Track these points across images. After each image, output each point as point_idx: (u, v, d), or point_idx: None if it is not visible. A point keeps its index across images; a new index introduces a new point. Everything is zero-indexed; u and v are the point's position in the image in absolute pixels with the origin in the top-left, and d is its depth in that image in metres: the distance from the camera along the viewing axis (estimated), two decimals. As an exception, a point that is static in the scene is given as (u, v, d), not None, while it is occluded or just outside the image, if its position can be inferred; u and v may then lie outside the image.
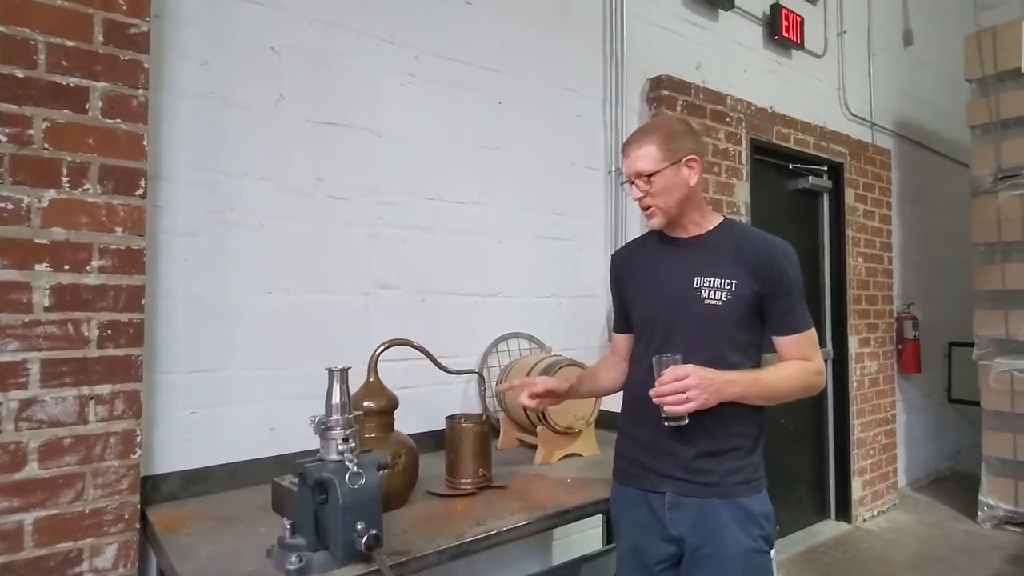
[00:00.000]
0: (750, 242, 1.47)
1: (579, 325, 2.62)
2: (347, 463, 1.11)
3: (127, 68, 1.54)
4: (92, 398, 1.48)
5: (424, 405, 2.12)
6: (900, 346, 4.36)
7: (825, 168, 3.73)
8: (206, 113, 1.77)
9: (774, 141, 3.36)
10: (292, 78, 1.92)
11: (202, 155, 1.76)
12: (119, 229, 1.52)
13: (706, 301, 1.44)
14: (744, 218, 3.14)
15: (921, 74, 4.83)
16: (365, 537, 1.07)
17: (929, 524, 3.95)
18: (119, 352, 1.52)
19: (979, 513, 3.88)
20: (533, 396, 1.56)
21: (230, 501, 1.66)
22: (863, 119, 4.16)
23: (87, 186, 1.48)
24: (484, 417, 1.73)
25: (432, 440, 2.11)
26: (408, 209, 2.14)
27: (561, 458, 2.00)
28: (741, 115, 3.16)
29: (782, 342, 1.48)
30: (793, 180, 3.68)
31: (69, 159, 1.46)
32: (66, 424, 1.45)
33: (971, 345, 4.26)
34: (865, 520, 3.92)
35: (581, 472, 1.87)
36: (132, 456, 1.53)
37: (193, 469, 1.72)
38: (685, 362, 1.34)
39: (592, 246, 2.68)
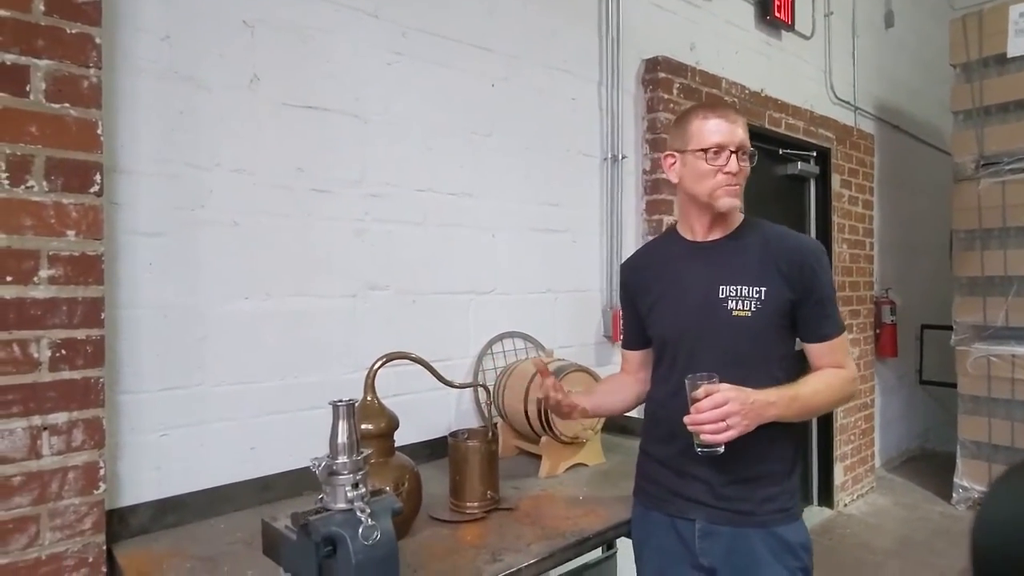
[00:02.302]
0: (779, 243, 1.34)
1: (576, 321, 2.49)
2: (359, 514, 0.95)
3: (75, 43, 1.31)
4: (45, 428, 1.28)
5: (419, 413, 1.97)
6: (878, 331, 4.39)
7: (814, 154, 3.66)
8: (169, 96, 1.55)
9: (767, 126, 3.27)
10: (267, 56, 1.70)
11: (166, 144, 1.54)
12: (71, 233, 1.31)
13: (734, 313, 1.30)
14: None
15: (900, 57, 4.81)
16: (383, 602, 0.93)
17: (907, 507, 4.01)
18: (76, 375, 1.32)
19: (954, 495, 3.96)
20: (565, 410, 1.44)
21: (209, 533, 1.49)
22: (847, 103, 4.11)
23: (30, 183, 1.26)
24: (490, 434, 1.59)
25: (427, 450, 1.97)
26: (397, 202, 1.96)
27: (567, 469, 1.88)
28: (735, 99, 3.04)
29: (813, 349, 1.36)
30: (782, 166, 3.60)
31: (8, 151, 1.24)
32: (15, 460, 1.25)
33: (943, 328, 4.32)
34: (846, 505, 3.96)
35: (592, 486, 1.75)
36: (95, 491, 1.34)
37: (166, 498, 1.54)
38: (719, 381, 1.22)
39: (588, 237, 2.55)
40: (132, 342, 1.50)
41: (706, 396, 1.18)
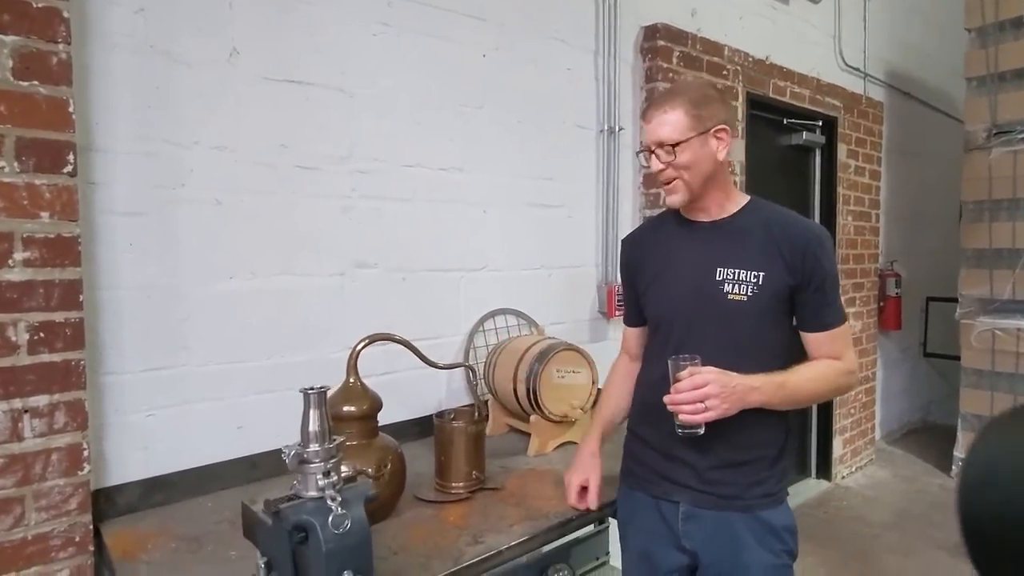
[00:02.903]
0: (782, 227, 1.30)
1: (570, 297, 2.47)
2: (329, 502, 0.95)
3: (42, 17, 1.27)
4: (26, 411, 1.28)
5: (407, 392, 1.97)
6: (881, 303, 4.34)
7: (819, 123, 3.57)
8: (145, 71, 1.51)
9: (771, 95, 3.17)
10: (247, 28, 1.65)
11: (143, 122, 1.51)
12: (45, 214, 1.29)
13: (730, 296, 1.28)
14: (738, 178, 2.98)
15: (913, 21, 4.64)
16: (354, 589, 0.93)
17: (906, 479, 4.02)
18: (56, 357, 1.31)
19: (953, 467, 3.95)
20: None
21: (196, 512, 1.50)
22: (857, 69, 3.98)
23: (1, 164, 1.24)
24: (476, 414, 1.58)
25: (416, 428, 1.97)
26: (384, 178, 1.92)
27: (556, 447, 1.88)
28: (738, 67, 2.95)
29: (811, 338, 1.33)
30: (786, 136, 3.52)
31: (-25, 132, 1.21)
32: (-3, 443, 1.26)
33: (949, 300, 4.26)
34: (844, 477, 3.97)
35: (579, 465, 1.74)
36: (80, 472, 1.35)
37: (153, 477, 1.55)
38: (705, 364, 1.20)
39: (583, 212, 2.50)
40: (114, 324, 1.49)
41: (688, 377, 1.18)
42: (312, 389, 1.00)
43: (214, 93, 1.60)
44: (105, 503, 1.48)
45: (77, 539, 1.35)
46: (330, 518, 0.94)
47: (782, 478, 1.34)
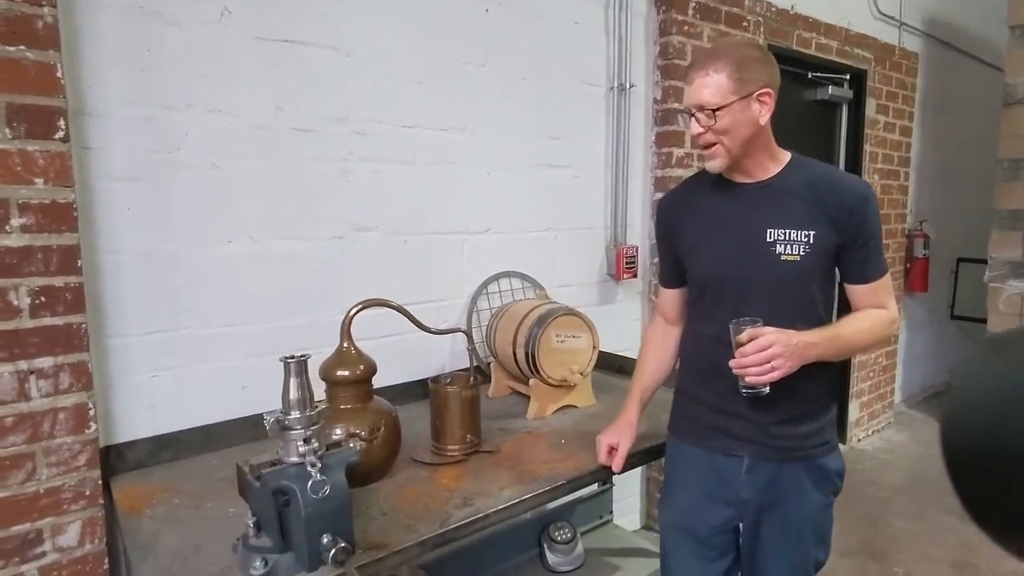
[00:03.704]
0: (828, 185, 1.30)
1: (576, 260, 2.44)
2: (309, 468, 0.97)
3: (25, -21, 1.26)
4: (32, 372, 1.33)
5: (408, 354, 1.99)
6: (908, 265, 4.21)
7: (847, 76, 3.40)
8: (135, 33, 1.49)
9: (794, 47, 3.03)
10: (237, -14, 1.61)
11: (136, 85, 1.50)
12: (39, 180, 1.30)
13: (783, 257, 1.29)
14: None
15: (958, -38, 4.35)
16: (333, 551, 0.95)
17: (922, 443, 3.97)
18: (57, 321, 1.35)
19: (973, 432, 3.89)
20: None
21: (201, 469, 1.56)
22: (892, 18, 3.76)
23: (-7, 131, 1.25)
24: (471, 379, 1.59)
25: (419, 390, 1.99)
26: (383, 140, 1.90)
27: (555, 411, 1.89)
28: (760, 18, 2.81)
29: (856, 290, 1.36)
30: (811, 90, 3.37)
31: (-34, 99, 1.22)
32: (5, 402, 1.31)
33: (981, 262, 4.10)
34: (859, 440, 3.94)
35: (577, 429, 1.75)
36: (87, 431, 1.40)
37: (160, 435, 1.60)
38: (764, 325, 1.23)
39: (591, 172, 2.45)
40: (116, 288, 1.52)
41: (749, 340, 1.20)
42: (292, 358, 1.02)
43: (206, 54, 1.59)
44: (116, 459, 1.54)
45: (87, 493, 1.41)
46: (309, 483, 0.96)
47: (834, 425, 1.40)
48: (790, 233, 1.29)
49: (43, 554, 1.37)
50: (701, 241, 1.39)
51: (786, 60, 3.07)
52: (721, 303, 1.35)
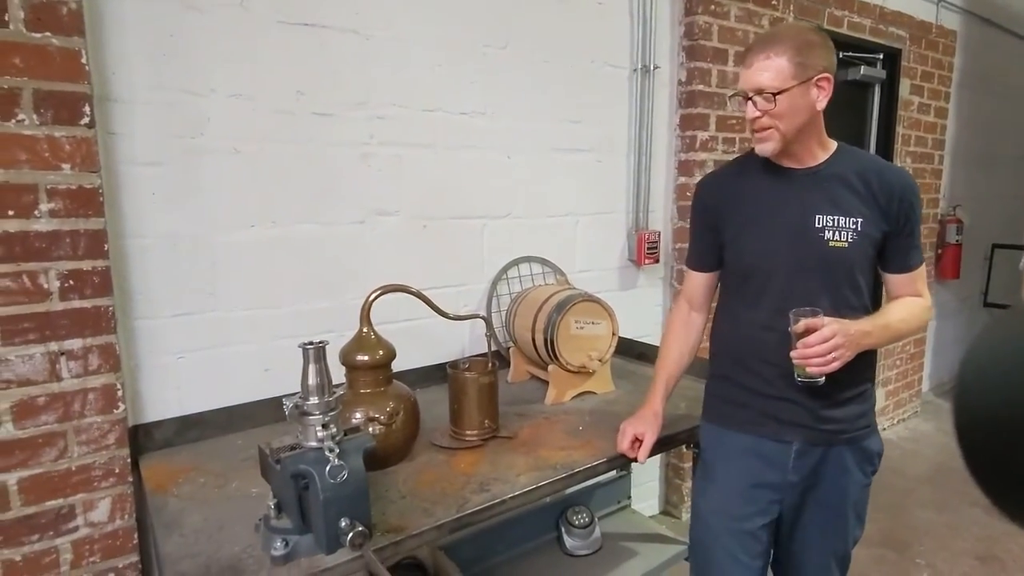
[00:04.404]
0: (877, 175, 1.32)
1: (597, 245, 2.42)
2: (327, 453, 0.99)
3: (50, -34, 1.27)
4: (62, 354, 1.37)
5: (427, 338, 2.00)
6: (940, 251, 4.10)
7: (880, 56, 3.30)
8: (157, 18, 1.50)
9: (825, 26, 2.93)
10: (258, -31, 1.61)
11: (158, 70, 1.51)
12: (66, 166, 1.32)
13: (831, 243, 1.29)
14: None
15: (1002, -66, 4.16)
16: (351, 535, 0.97)
17: (949, 433, 3.82)
18: (86, 304, 1.38)
19: (1003, 423, 3.81)
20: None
21: (227, 449, 1.59)
22: (930, -6, 3.63)
23: (21, 117, 1.27)
24: (490, 365, 1.59)
25: (440, 374, 2.01)
26: (404, 124, 1.89)
27: (573, 397, 1.89)
28: (790, -4, 2.73)
29: (896, 279, 1.39)
30: (841, 71, 3.26)
31: (-5, 85, 1.24)
32: (37, 383, 1.35)
33: (1016, 248, 3.99)
34: (884, 429, 3.88)
35: (595, 416, 1.75)
36: (115, 411, 1.44)
37: (187, 415, 1.64)
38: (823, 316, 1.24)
39: (613, 156, 2.42)
40: (142, 271, 1.55)
41: (806, 330, 1.21)
42: (311, 344, 1.03)
43: (228, 39, 1.59)
44: (144, 438, 1.58)
45: (117, 470, 1.45)
46: (327, 468, 0.98)
47: (874, 408, 1.43)
48: (838, 220, 1.29)
49: (76, 528, 1.42)
50: (749, 226, 1.38)
51: (817, 39, 2.99)
52: (768, 289, 1.35)
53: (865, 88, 3.45)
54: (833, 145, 1.36)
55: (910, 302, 1.38)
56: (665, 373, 1.54)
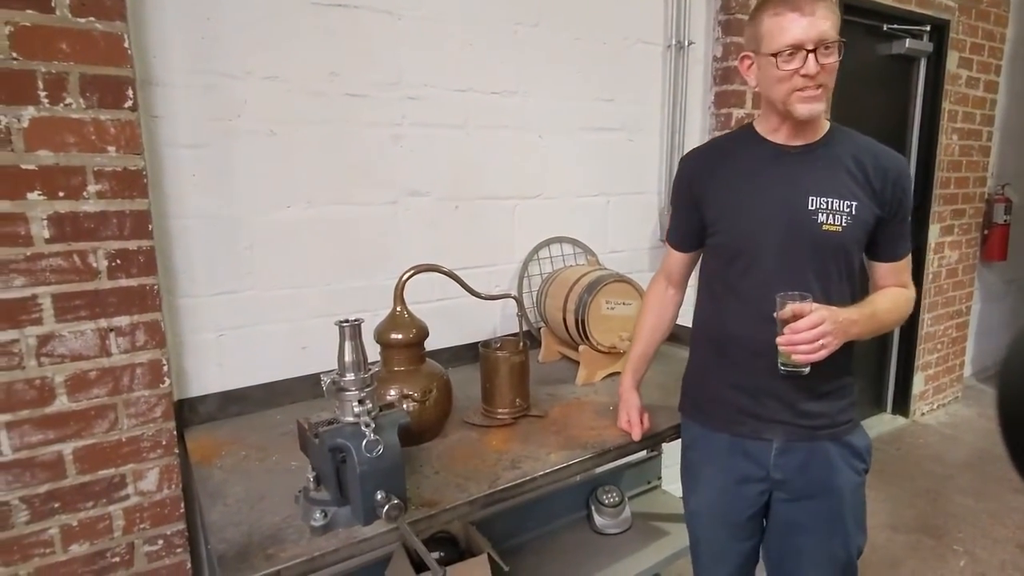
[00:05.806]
0: (872, 157, 1.26)
1: (629, 225, 2.41)
2: (363, 428, 1.01)
3: (93, -48, 1.30)
4: (111, 330, 1.42)
5: (460, 318, 2.02)
6: (986, 231, 3.96)
7: (927, 28, 3.17)
8: (195, 2, 1.52)
9: (869, -2, 2.83)
10: (292, -49, 1.62)
11: (196, 54, 1.54)
12: (112, 148, 1.37)
13: (824, 227, 1.23)
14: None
15: None
16: (387, 507, 1.00)
17: (990, 419, 3.77)
18: (132, 282, 1.43)
19: (1049, 409, 3.69)
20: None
21: (267, 424, 1.65)
22: (981, -39, 3.46)
23: (68, 100, 1.31)
24: (521, 344, 1.60)
25: (471, 353, 2.03)
26: (435, 104, 1.90)
27: (603, 377, 1.90)
28: (832, -34, 2.63)
29: (882, 268, 1.34)
30: (886, 44, 3.15)
31: (43, 70, 1.28)
32: (89, 357, 1.41)
33: (1069, 229, 3.83)
34: (923, 414, 3.80)
35: (625, 396, 1.76)
36: (161, 386, 1.50)
37: (229, 391, 1.70)
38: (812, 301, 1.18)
39: (645, 135, 2.39)
40: (185, 251, 1.60)
41: (794, 316, 1.15)
42: (347, 322, 1.05)
43: (262, 21, 1.61)
44: (189, 412, 1.64)
45: (164, 442, 1.51)
46: (363, 442, 1.01)
47: (856, 401, 1.37)
48: (832, 203, 1.23)
49: (127, 496, 1.49)
50: (734, 204, 1.30)
51: (858, 12, 2.89)
52: (750, 273, 1.28)
53: (910, 62, 3.33)
54: (826, 124, 1.29)
55: (896, 292, 1.32)
56: (636, 354, 1.55)
